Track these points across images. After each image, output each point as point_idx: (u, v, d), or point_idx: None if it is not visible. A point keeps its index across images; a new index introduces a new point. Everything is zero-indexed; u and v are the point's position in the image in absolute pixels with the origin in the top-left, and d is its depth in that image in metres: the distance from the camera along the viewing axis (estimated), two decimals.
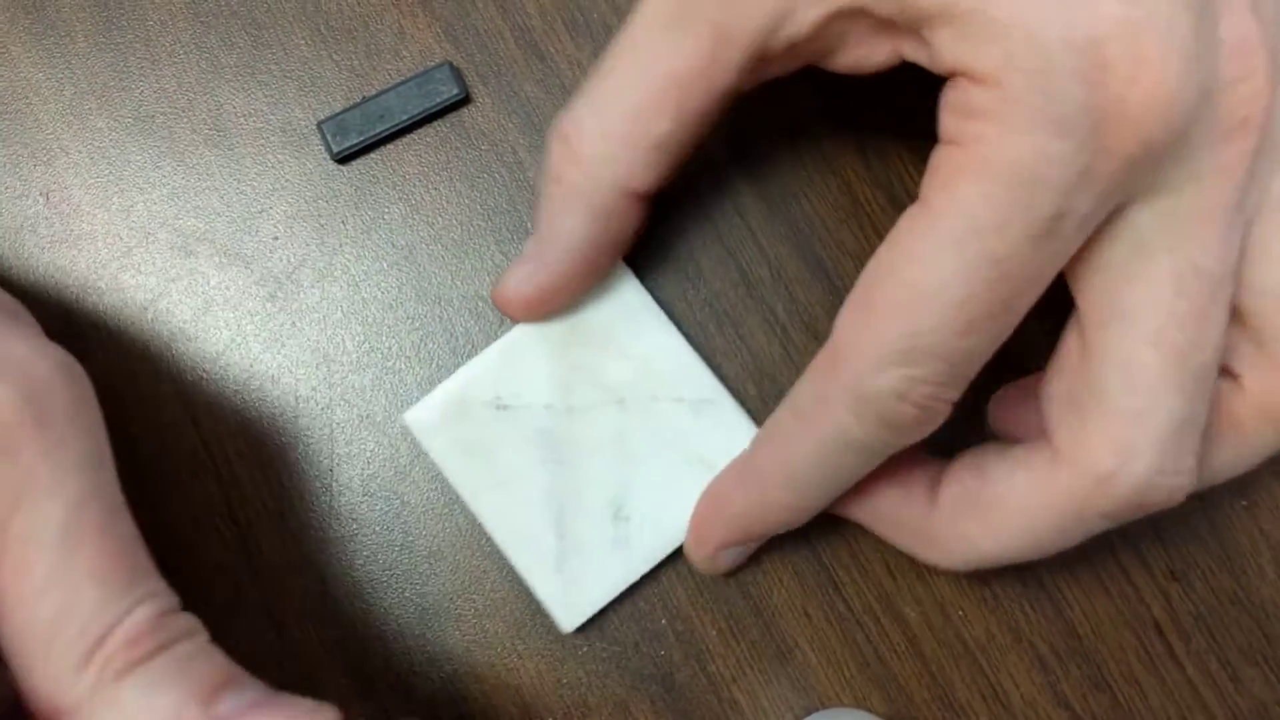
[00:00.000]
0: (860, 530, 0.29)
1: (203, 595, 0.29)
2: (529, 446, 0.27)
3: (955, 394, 0.22)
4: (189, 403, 0.29)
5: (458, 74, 0.30)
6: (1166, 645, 0.30)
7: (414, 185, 0.30)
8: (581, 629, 0.29)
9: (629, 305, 0.28)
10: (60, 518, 0.20)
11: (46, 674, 0.20)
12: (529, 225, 0.30)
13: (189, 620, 0.22)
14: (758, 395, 0.30)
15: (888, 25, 0.22)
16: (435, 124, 0.30)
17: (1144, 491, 0.22)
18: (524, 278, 0.26)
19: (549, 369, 0.27)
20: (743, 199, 0.30)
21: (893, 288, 0.21)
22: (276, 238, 0.30)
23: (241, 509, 0.29)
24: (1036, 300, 0.22)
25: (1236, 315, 0.23)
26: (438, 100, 0.29)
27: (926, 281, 0.21)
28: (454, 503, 0.29)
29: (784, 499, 0.25)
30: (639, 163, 0.24)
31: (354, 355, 0.30)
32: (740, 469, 0.26)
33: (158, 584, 0.22)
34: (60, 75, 0.30)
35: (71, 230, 0.30)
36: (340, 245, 0.30)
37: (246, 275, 0.30)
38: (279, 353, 0.30)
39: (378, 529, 0.29)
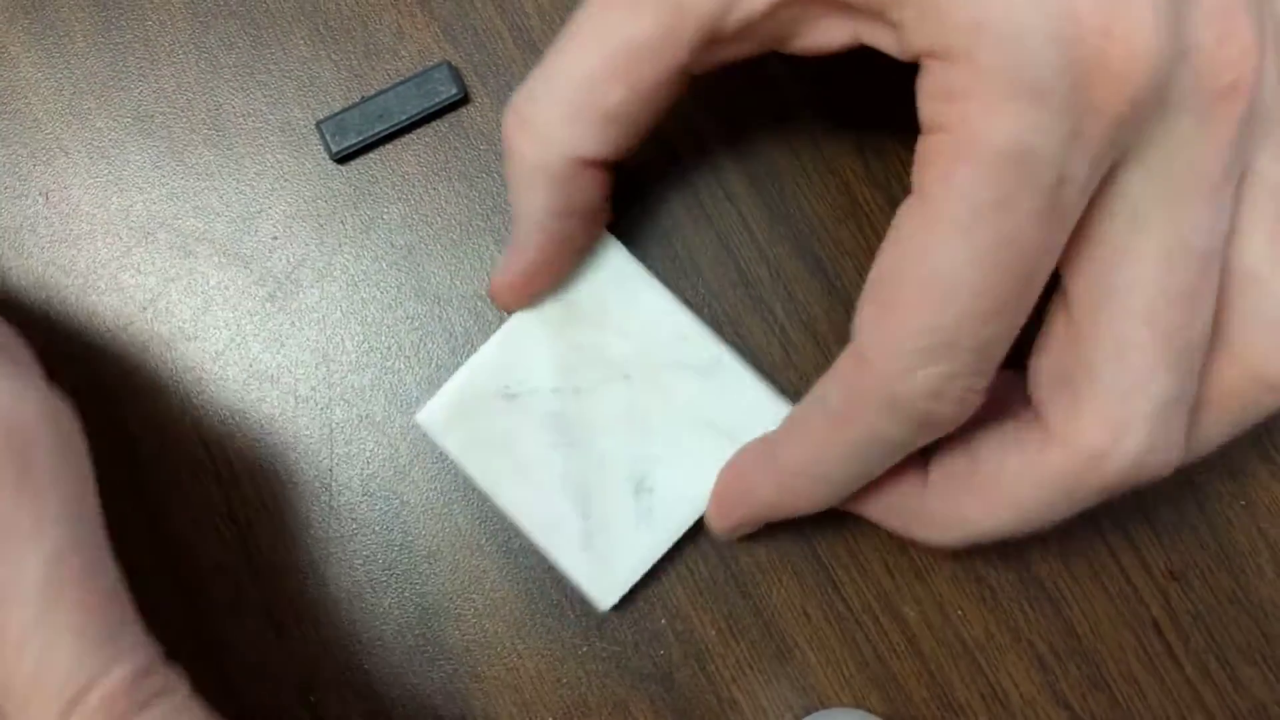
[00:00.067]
0: (859, 530, 0.30)
1: (202, 595, 0.29)
2: (542, 432, 0.27)
3: (986, 381, 0.22)
4: (189, 403, 0.29)
5: (456, 74, 0.30)
6: (1165, 644, 0.30)
7: (413, 185, 0.30)
8: (581, 629, 0.29)
9: (622, 278, 0.28)
10: (40, 571, 0.20)
11: None
12: None
13: (169, 675, 0.22)
14: None
15: (844, 8, 0.22)
16: (434, 124, 0.30)
17: (1136, 468, 0.22)
18: (505, 266, 0.26)
19: (551, 352, 0.27)
20: (742, 199, 0.30)
21: (909, 285, 0.21)
22: (276, 237, 0.30)
23: (241, 509, 0.29)
24: (1050, 274, 0.22)
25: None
26: (436, 100, 0.29)
27: (942, 274, 0.20)
28: (453, 503, 0.29)
29: (811, 492, 0.25)
30: (590, 132, 0.24)
31: (353, 355, 0.30)
32: (766, 459, 0.26)
33: (139, 636, 0.22)
34: (59, 75, 0.30)
35: (71, 230, 0.30)
36: (339, 245, 0.30)
37: (246, 275, 0.30)
38: (278, 352, 0.30)
39: (377, 529, 0.29)
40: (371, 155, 0.30)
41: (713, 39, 0.23)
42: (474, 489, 0.29)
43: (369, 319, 0.30)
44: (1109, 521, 0.30)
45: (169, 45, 0.30)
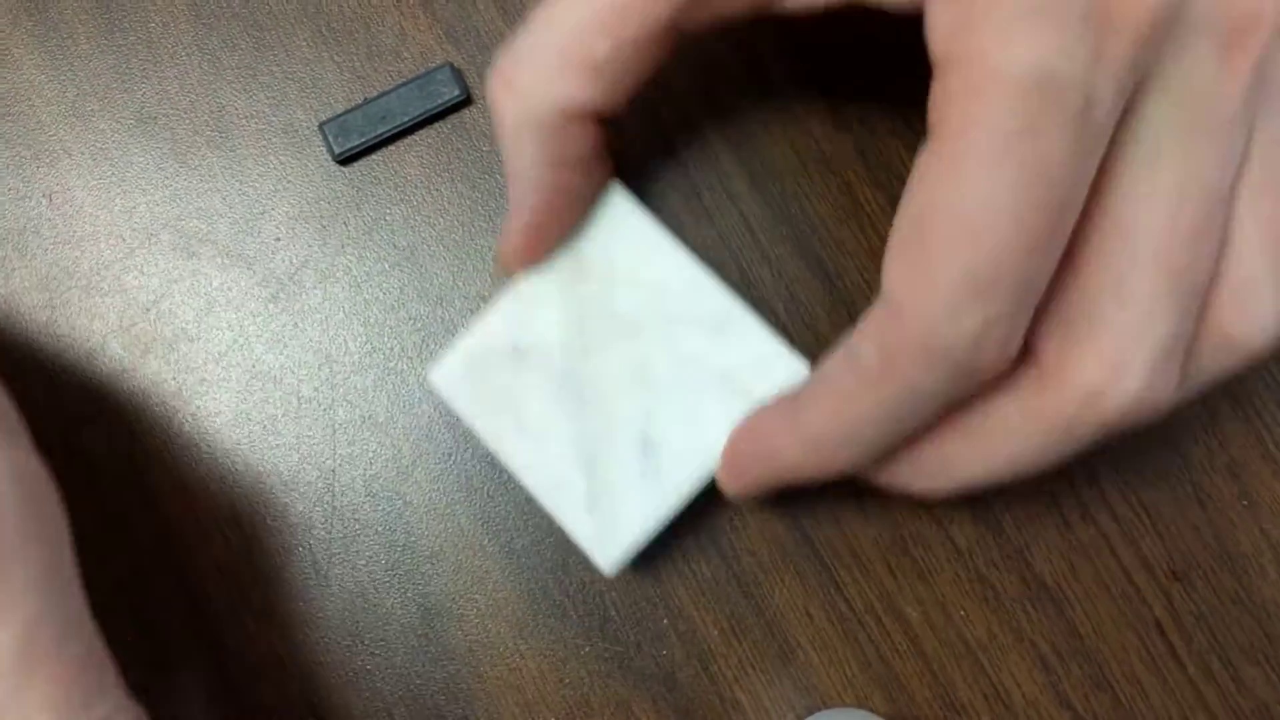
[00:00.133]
0: (861, 529, 0.30)
1: (204, 596, 0.29)
2: (549, 389, 0.27)
3: (1025, 324, 0.21)
4: (191, 404, 0.29)
5: (459, 75, 0.30)
6: (1168, 645, 0.30)
7: (415, 186, 0.30)
8: (584, 629, 0.29)
9: (631, 231, 0.27)
10: (13, 643, 0.20)
11: None
12: None
13: None
14: None
15: None
16: (436, 125, 0.30)
17: (1134, 408, 0.22)
18: (507, 229, 0.26)
19: (560, 309, 0.27)
20: (743, 200, 0.30)
21: (941, 227, 0.20)
22: (279, 239, 0.30)
23: (244, 510, 0.29)
24: (1097, 204, 0.21)
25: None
26: (439, 101, 0.30)
27: (976, 211, 0.20)
28: (456, 503, 0.29)
29: (837, 454, 0.24)
30: (576, 83, 0.23)
31: (356, 356, 0.30)
32: (788, 418, 0.25)
33: (118, 700, 0.22)
34: (63, 77, 0.30)
35: (74, 231, 0.30)
36: (342, 246, 0.30)
37: (249, 276, 0.30)
38: (281, 353, 0.30)
39: (380, 529, 0.29)
40: (374, 156, 0.30)
41: None
42: (475, 489, 0.29)
43: (372, 320, 0.30)
44: (1111, 521, 0.30)
45: (172, 47, 0.30)
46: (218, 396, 0.30)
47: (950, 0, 0.20)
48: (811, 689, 0.29)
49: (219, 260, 0.30)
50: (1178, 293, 0.21)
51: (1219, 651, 0.30)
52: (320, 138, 0.30)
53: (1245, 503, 0.30)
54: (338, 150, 0.29)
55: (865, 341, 0.23)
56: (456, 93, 0.29)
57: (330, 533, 0.29)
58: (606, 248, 0.27)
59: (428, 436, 0.30)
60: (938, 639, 0.30)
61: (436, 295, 0.30)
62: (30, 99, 0.30)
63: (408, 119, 0.29)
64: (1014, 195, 0.20)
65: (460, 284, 0.30)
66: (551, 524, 0.29)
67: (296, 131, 0.30)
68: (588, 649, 0.29)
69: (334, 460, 0.29)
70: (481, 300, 0.30)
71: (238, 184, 0.30)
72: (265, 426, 0.29)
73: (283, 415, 0.30)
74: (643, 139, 0.30)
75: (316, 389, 0.30)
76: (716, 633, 0.29)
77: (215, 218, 0.30)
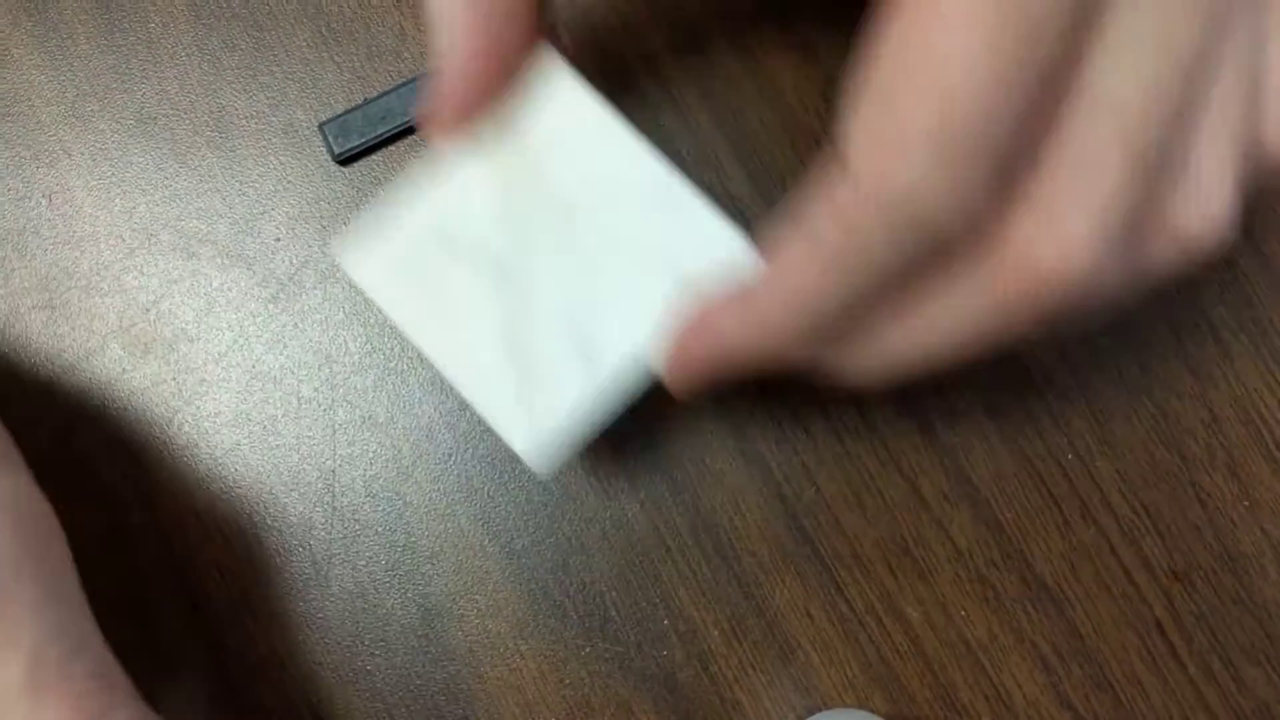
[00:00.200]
0: (862, 530, 0.30)
1: (204, 596, 0.29)
2: (479, 277, 0.24)
3: (996, 191, 0.20)
4: (192, 405, 0.29)
5: None
6: (1169, 645, 0.30)
7: None
8: (584, 629, 0.29)
9: (567, 103, 0.24)
10: (21, 669, 0.20)
11: None
12: None
13: None
14: (759, 395, 0.30)
15: None
16: None
17: (1077, 287, 0.20)
18: (433, 90, 0.24)
19: (491, 191, 0.24)
20: (745, 201, 0.30)
21: (911, 81, 0.19)
22: (279, 239, 0.30)
23: (243, 510, 0.29)
24: (1069, 71, 0.20)
25: None
26: None
27: (950, 61, 0.18)
28: (456, 504, 0.29)
29: (793, 338, 0.22)
30: None
31: (356, 356, 0.30)
32: (738, 299, 0.23)
33: (134, 712, 0.22)
34: (63, 77, 0.30)
35: (74, 232, 0.30)
36: None
37: (249, 276, 0.30)
38: (281, 354, 0.30)
39: (380, 530, 0.29)
40: (374, 157, 0.30)
41: None
42: (475, 490, 0.29)
43: (372, 320, 0.30)
44: (1112, 521, 0.30)
45: (172, 47, 0.30)
46: (218, 397, 0.30)
47: None
48: (812, 689, 0.29)
49: (219, 260, 0.30)
50: (1137, 175, 0.20)
51: (1220, 652, 0.30)
52: (320, 138, 0.30)
53: (1246, 503, 0.30)
54: (338, 150, 0.29)
55: (820, 217, 0.21)
56: None
57: (330, 533, 0.29)
58: (540, 121, 0.24)
59: (428, 437, 0.29)
60: (938, 639, 0.30)
61: None
62: (30, 99, 0.30)
63: (408, 119, 0.29)
64: (991, 46, 0.18)
65: None
66: (552, 524, 0.29)
67: (296, 132, 0.30)
68: (588, 649, 0.29)
69: (334, 461, 0.29)
70: None
71: (238, 184, 0.30)
72: (265, 427, 0.29)
73: (283, 416, 0.30)
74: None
75: (316, 389, 0.30)
76: (717, 633, 0.29)
77: (215, 218, 0.30)
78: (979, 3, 0.18)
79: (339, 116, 0.29)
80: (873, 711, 0.29)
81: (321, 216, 0.30)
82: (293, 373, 0.30)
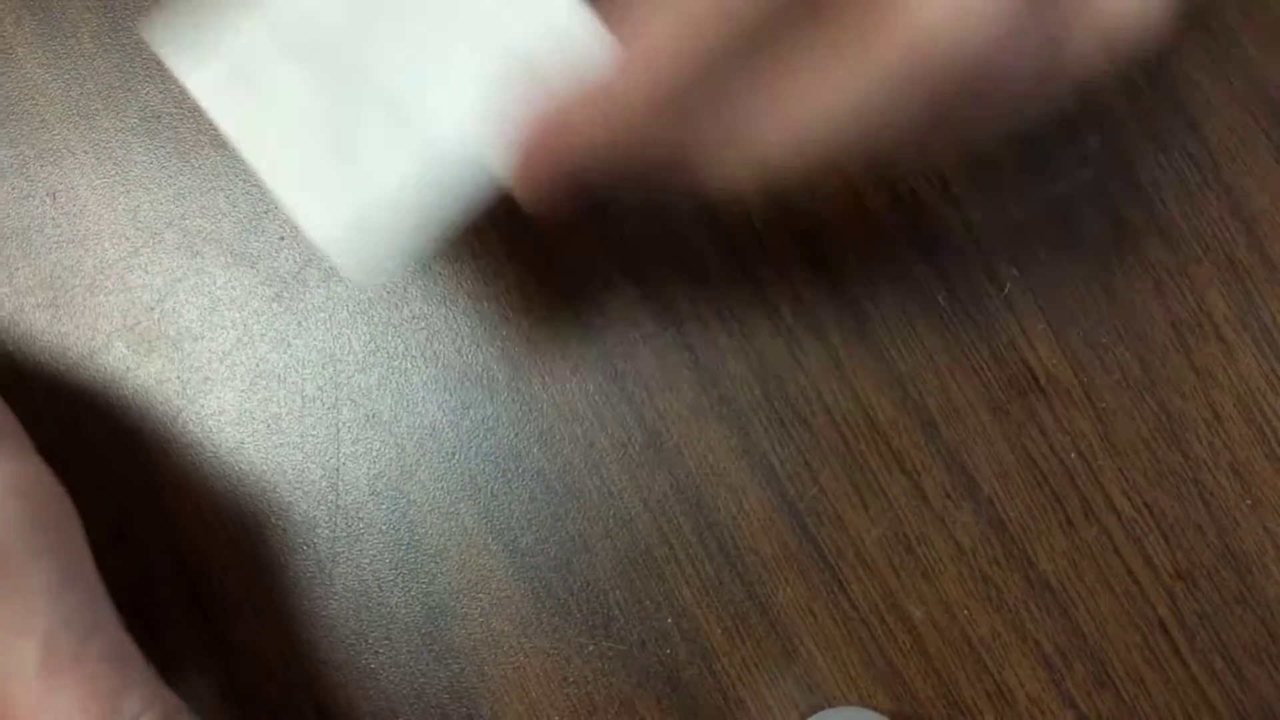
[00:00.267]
0: (865, 529, 0.30)
1: (208, 595, 0.29)
2: (311, 74, 0.22)
3: None
4: (196, 403, 0.30)
5: None
6: (1171, 644, 0.30)
7: None
8: (588, 627, 0.29)
9: None
10: (36, 653, 0.21)
11: None
12: (532, 225, 0.30)
13: None
14: (762, 395, 0.30)
15: None
16: None
17: (981, 60, 0.19)
18: None
19: None
20: (747, 202, 0.30)
21: None
22: (282, 237, 0.30)
23: (247, 509, 0.29)
24: None
25: None
26: None
27: None
28: (460, 502, 0.29)
29: (659, 120, 0.20)
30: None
31: (360, 355, 0.30)
32: (594, 93, 0.21)
33: (152, 693, 0.22)
34: (66, 76, 0.30)
35: (78, 230, 0.30)
36: None
37: (253, 275, 0.30)
38: (285, 352, 0.30)
39: (384, 528, 0.29)
40: None
41: None
42: (479, 488, 0.29)
43: (375, 319, 0.30)
44: (1115, 521, 0.30)
45: None
46: (222, 395, 0.30)
47: None
48: (815, 688, 0.29)
49: (223, 259, 0.30)
50: None
51: (1222, 650, 0.30)
52: None
53: (1249, 502, 0.30)
54: None
55: (648, 13, 0.20)
56: None
57: (334, 531, 0.29)
58: None
59: (432, 435, 0.30)
60: (941, 638, 0.30)
61: (440, 294, 0.30)
62: (34, 98, 0.30)
63: None
64: None
65: (463, 283, 0.30)
66: (556, 522, 0.29)
67: None
68: (591, 648, 0.29)
69: (338, 459, 0.30)
70: (485, 300, 0.30)
71: (241, 183, 0.30)
72: (269, 425, 0.30)
73: (287, 414, 0.30)
74: None
75: (320, 388, 0.30)
76: (720, 631, 0.29)
77: (219, 216, 0.30)
78: None
79: None
80: (876, 709, 0.29)
81: None
82: (297, 371, 0.30)
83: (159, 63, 0.30)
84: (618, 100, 0.20)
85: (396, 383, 0.30)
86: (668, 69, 0.20)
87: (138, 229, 0.30)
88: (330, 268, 0.30)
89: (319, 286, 0.30)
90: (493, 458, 0.30)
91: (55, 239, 0.30)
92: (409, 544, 0.29)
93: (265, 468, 0.29)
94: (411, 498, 0.29)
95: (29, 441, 0.24)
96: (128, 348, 0.30)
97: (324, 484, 0.29)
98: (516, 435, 0.30)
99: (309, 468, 0.29)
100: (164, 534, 0.29)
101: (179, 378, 0.30)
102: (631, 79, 0.20)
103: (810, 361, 0.30)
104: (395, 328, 0.30)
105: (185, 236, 0.30)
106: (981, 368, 0.30)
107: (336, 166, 0.22)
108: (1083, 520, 0.30)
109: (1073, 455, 0.30)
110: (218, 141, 0.30)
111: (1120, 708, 0.30)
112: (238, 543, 0.29)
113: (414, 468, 0.30)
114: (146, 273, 0.30)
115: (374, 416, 0.30)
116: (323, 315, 0.30)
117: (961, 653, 0.30)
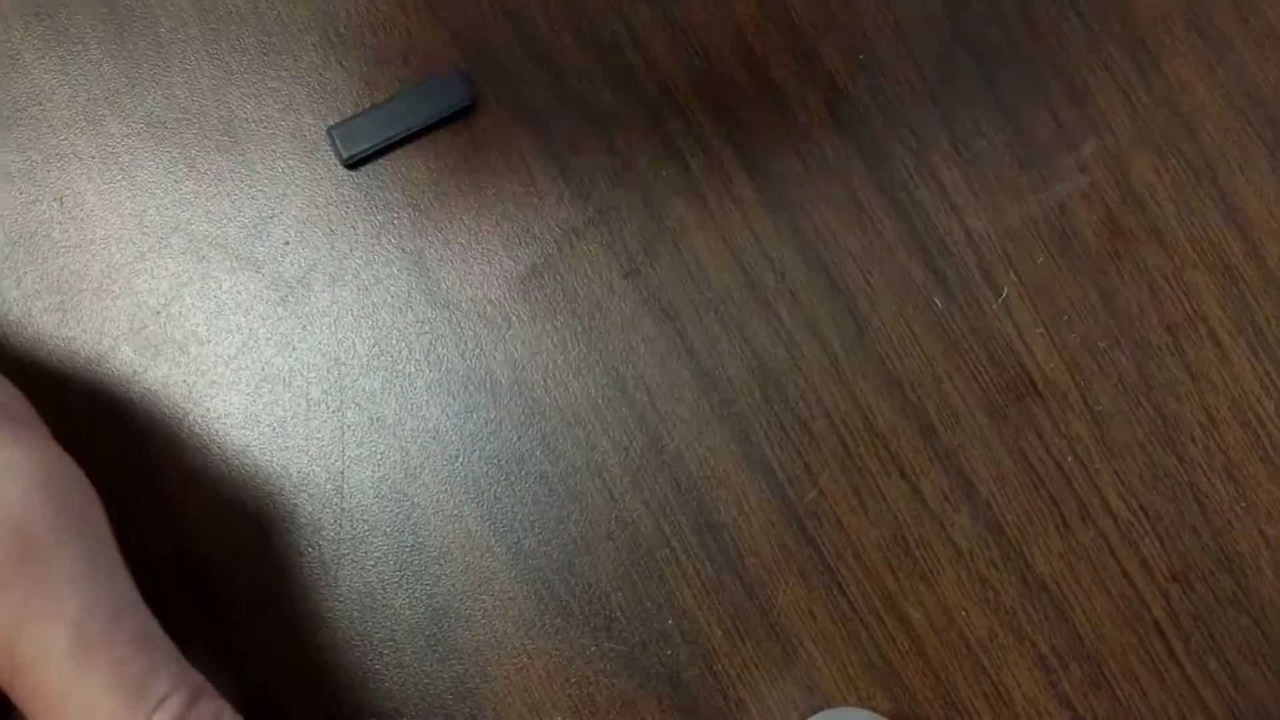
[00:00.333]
0: (864, 531, 0.30)
1: (213, 597, 0.29)
2: None
3: None
4: (202, 407, 0.30)
5: (466, 81, 0.30)
6: (1167, 645, 0.30)
7: (423, 191, 0.30)
8: (590, 629, 0.29)
9: None
10: (65, 637, 0.21)
11: None
12: (537, 230, 0.30)
13: (215, 705, 0.22)
14: (762, 399, 0.30)
15: None
16: (443, 130, 0.30)
17: None
18: None
19: None
20: (747, 204, 0.31)
21: None
22: (287, 243, 0.30)
23: (252, 511, 0.30)
24: None
25: None
26: (446, 107, 0.30)
27: None
28: (464, 504, 0.30)
29: None
30: None
31: (364, 358, 0.30)
32: None
33: (178, 672, 0.22)
34: (73, 81, 0.30)
35: (85, 235, 0.30)
36: (350, 250, 0.30)
37: (258, 279, 0.30)
38: (290, 356, 0.30)
39: (388, 530, 0.30)
40: (382, 161, 0.30)
41: None
42: (483, 491, 0.30)
43: (380, 323, 0.30)
44: (1111, 523, 0.30)
45: (181, 52, 0.30)
46: (228, 399, 0.30)
47: None
48: (814, 688, 0.30)
49: (228, 264, 0.30)
50: None
51: (1217, 652, 0.30)
52: (328, 142, 0.30)
53: (1243, 505, 0.31)
54: (345, 155, 0.30)
55: None
56: (463, 98, 0.30)
57: (339, 534, 0.30)
58: None
59: (435, 439, 0.30)
60: (939, 639, 0.30)
61: (444, 298, 0.30)
62: (41, 103, 0.30)
63: (415, 124, 0.30)
64: None
65: (468, 287, 0.30)
66: (559, 525, 0.30)
67: (305, 136, 0.30)
68: (594, 649, 0.29)
69: (343, 462, 0.30)
70: (489, 304, 0.30)
71: (247, 188, 0.30)
72: (275, 429, 0.30)
73: (292, 417, 0.30)
74: (647, 143, 0.30)
75: (325, 391, 0.30)
76: (720, 633, 0.30)
77: (225, 221, 0.30)
78: None
79: (347, 121, 0.30)
80: (875, 710, 0.29)
81: (330, 220, 0.30)
82: (302, 375, 0.30)
83: (165, 69, 0.30)
84: None
85: (401, 386, 0.30)
86: None
87: (144, 234, 0.30)
88: (335, 272, 0.30)
89: (324, 291, 0.30)
90: (496, 460, 0.30)
91: (62, 243, 0.30)
92: (413, 546, 0.30)
93: (271, 470, 0.30)
94: (416, 500, 0.30)
95: (48, 431, 0.24)
96: (134, 351, 0.30)
97: (329, 486, 0.30)
98: (519, 438, 0.30)
99: (314, 470, 0.30)
100: (169, 536, 0.29)
101: (185, 381, 0.30)
102: None
103: (810, 365, 0.30)
104: (400, 332, 0.30)
105: (191, 241, 0.30)
106: (979, 372, 0.31)
107: None
108: (1079, 523, 0.30)
109: (1069, 458, 0.30)
110: (223, 147, 0.30)
111: (1116, 708, 0.30)
112: (243, 545, 0.29)
113: (418, 470, 0.30)
114: (153, 277, 0.30)
115: (378, 420, 0.30)
116: (328, 319, 0.30)
117: (959, 654, 0.30)
